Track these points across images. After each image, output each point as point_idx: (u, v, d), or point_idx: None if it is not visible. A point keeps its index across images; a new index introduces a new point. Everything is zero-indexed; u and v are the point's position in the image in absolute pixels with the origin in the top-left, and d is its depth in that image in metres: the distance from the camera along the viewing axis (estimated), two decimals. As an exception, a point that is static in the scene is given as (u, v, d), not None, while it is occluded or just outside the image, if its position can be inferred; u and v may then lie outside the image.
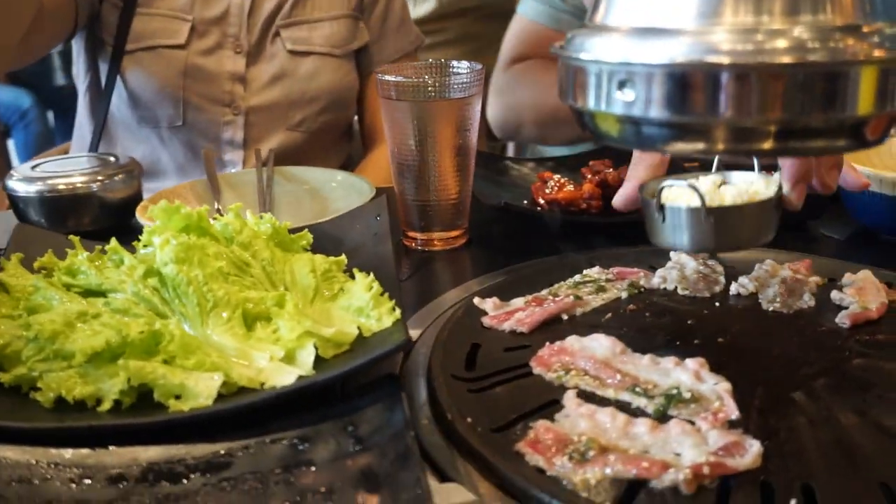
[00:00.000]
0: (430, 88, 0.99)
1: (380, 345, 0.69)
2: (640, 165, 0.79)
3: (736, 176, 0.81)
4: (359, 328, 0.73)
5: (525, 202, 1.14)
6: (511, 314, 0.82)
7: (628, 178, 0.80)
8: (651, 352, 0.71)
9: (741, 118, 0.55)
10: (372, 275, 0.77)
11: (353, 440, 0.60)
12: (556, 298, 0.84)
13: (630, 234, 0.98)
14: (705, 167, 0.82)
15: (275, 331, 0.71)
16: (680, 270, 0.88)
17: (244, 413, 0.63)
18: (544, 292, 0.87)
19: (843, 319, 0.77)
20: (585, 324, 0.80)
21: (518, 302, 0.85)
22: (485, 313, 0.83)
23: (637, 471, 0.58)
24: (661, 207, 0.74)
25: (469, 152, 1.03)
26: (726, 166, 0.80)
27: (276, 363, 0.68)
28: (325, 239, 0.92)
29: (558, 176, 1.15)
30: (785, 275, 0.86)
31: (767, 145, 0.56)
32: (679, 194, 0.73)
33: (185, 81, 1.52)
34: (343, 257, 0.84)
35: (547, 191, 1.12)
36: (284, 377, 0.66)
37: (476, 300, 0.85)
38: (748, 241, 0.76)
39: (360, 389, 0.66)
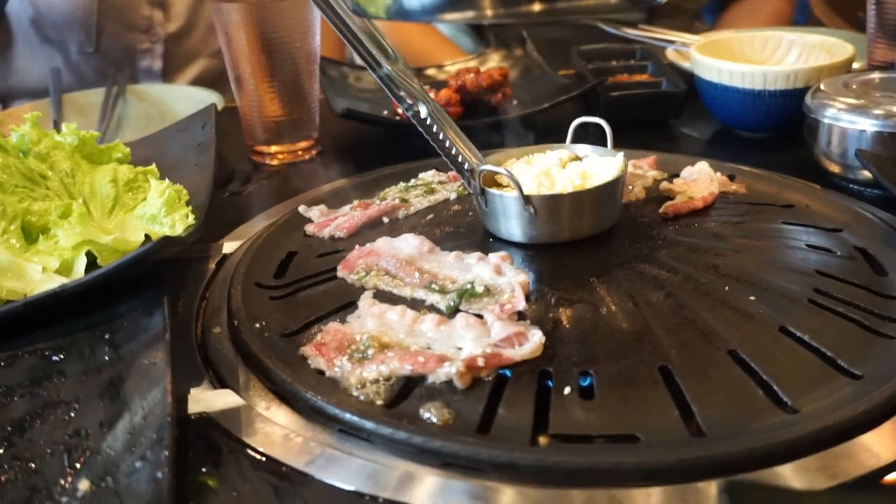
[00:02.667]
0: (262, -12, 0.92)
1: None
2: None
3: (582, 149, 0.74)
4: (148, 235, 0.68)
5: (385, 112, 1.09)
6: (333, 220, 0.77)
7: None
8: (463, 249, 0.68)
9: (503, -21, 0.50)
10: (167, 180, 0.72)
11: (109, 348, 0.55)
12: (383, 203, 0.80)
13: (482, 138, 0.94)
14: (560, 140, 0.76)
15: (56, 242, 0.66)
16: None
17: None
18: (374, 198, 0.82)
19: (665, 210, 0.73)
20: (406, 226, 0.76)
21: (346, 209, 0.81)
22: (310, 221, 0.79)
23: (413, 366, 0.54)
24: (483, 192, 0.69)
25: (311, 58, 0.97)
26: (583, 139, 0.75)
27: (49, 274, 0.63)
28: (149, 151, 0.87)
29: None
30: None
31: (536, 7, 0.52)
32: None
33: (100, 5, 1.36)
34: (152, 166, 0.78)
35: (406, 99, 1.06)
36: (50, 287, 0.61)
37: (301, 208, 0.80)
38: (584, 230, 0.68)
39: (125, 296, 0.61)
